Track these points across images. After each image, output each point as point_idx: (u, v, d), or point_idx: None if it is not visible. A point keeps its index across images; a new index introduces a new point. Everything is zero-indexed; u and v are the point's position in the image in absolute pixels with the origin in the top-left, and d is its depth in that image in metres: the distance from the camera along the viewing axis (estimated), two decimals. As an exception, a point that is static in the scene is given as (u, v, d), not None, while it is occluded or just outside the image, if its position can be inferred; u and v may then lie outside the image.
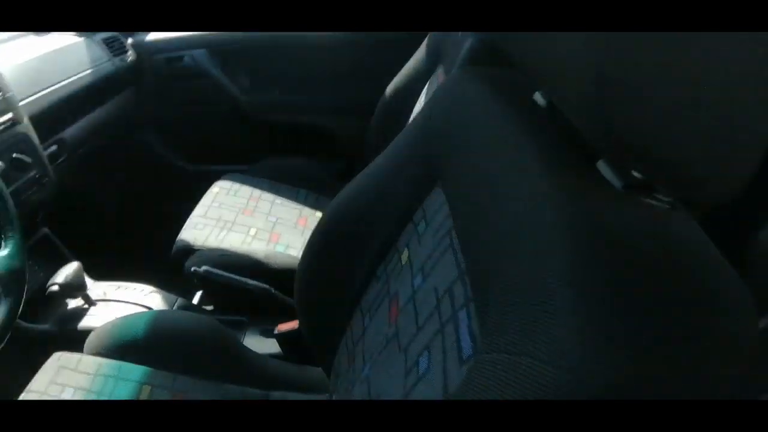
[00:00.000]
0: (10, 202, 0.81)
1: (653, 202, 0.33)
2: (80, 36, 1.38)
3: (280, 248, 1.13)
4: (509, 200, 0.42)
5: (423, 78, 1.21)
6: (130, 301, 1.04)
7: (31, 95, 1.15)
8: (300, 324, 0.82)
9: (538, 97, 0.50)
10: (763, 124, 0.27)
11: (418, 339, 0.48)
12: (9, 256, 0.77)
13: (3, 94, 1.03)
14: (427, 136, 0.63)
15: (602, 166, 0.37)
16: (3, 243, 0.79)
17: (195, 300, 1.13)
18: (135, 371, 0.82)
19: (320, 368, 0.82)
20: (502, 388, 0.30)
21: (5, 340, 0.74)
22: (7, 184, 0.97)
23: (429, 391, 0.42)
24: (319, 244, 0.76)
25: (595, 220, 0.31)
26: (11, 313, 0.75)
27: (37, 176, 1.07)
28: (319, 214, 1.30)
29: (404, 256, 0.61)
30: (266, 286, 0.96)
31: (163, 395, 0.80)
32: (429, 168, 0.60)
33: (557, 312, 0.30)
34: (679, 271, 0.30)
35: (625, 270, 0.29)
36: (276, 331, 0.90)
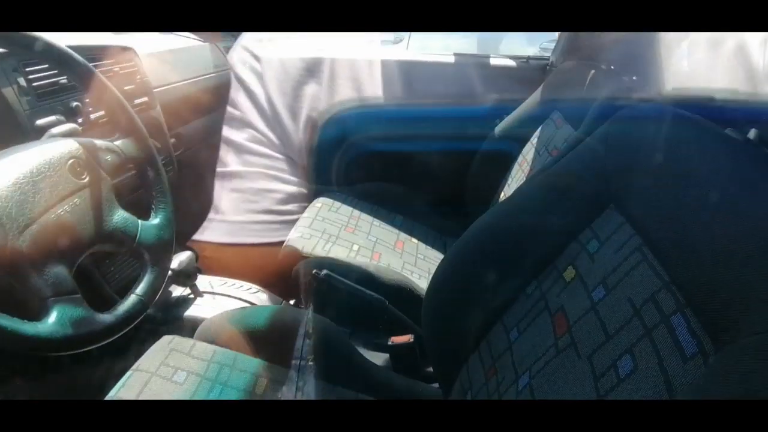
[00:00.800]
0: (164, 174, 0.84)
1: None
2: (205, 41, 1.48)
3: (383, 264, 1.14)
4: (713, 227, 0.45)
5: (535, 122, 1.24)
6: (237, 296, 1.07)
7: (164, 85, 1.21)
8: (424, 336, 0.83)
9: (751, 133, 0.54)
10: None
11: (611, 346, 0.50)
12: (159, 226, 0.79)
13: (141, 78, 1.08)
14: (600, 164, 0.66)
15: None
16: (153, 213, 0.81)
17: (292, 302, 1.14)
18: (251, 363, 0.83)
19: (435, 385, 0.82)
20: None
21: (149, 307, 0.76)
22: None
23: (641, 389, 0.44)
24: (459, 259, 0.78)
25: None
26: (158, 282, 0.77)
27: (164, 161, 1.12)
28: (414, 241, 1.32)
29: (568, 274, 0.63)
30: (381, 297, 0.97)
31: (276, 390, 0.81)
32: (600, 193, 0.64)
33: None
34: None
35: None
36: (390, 343, 0.91)
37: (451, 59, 1.50)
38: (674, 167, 0.56)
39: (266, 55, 1.59)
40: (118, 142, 0.73)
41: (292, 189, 1.62)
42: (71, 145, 0.63)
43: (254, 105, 1.59)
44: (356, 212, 1.35)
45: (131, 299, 0.72)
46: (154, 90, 1.13)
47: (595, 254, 0.60)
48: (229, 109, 1.61)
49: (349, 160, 1.55)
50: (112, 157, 0.70)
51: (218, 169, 1.58)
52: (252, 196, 1.57)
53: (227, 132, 1.60)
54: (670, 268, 0.49)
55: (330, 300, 1.03)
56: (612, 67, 1.13)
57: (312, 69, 1.59)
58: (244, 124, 1.60)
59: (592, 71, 1.10)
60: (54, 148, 0.61)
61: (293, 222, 1.32)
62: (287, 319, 0.87)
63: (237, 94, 1.59)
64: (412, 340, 0.90)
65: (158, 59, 1.20)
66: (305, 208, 1.39)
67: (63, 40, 0.73)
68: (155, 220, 0.80)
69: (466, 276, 0.76)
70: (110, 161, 0.69)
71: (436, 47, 2.66)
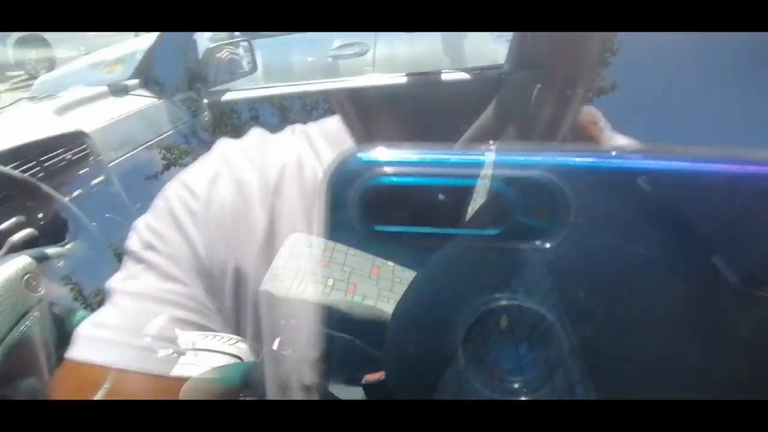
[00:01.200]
0: None
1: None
2: (159, 98, 1.50)
3: (357, 299, 1.18)
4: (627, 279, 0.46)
5: (491, 138, 1.26)
6: (218, 350, 1.11)
7: (118, 158, 1.24)
8: (387, 375, 0.86)
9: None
10: None
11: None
12: None
13: (94, 158, 1.11)
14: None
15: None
16: None
17: (275, 346, 1.18)
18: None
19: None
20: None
21: None
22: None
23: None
24: (412, 303, 0.81)
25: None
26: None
27: (127, 236, 1.15)
28: (390, 264, 1.35)
29: (503, 322, 0.65)
30: (351, 337, 1.01)
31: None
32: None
33: None
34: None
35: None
36: (363, 381, 0.95)
37: (404, 80, 1.52)
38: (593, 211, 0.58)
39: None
40: (69, 245, 0.77)
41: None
42: (24, 261, 0.67)
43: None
44: (330, 243, 1.37)
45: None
46: (112, 164, 1.16)
47: (524, 304, 0.63)
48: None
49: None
50: (65, 262, 0.74)
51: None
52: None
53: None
54: (580, 331, 0.51)
55: (304, 344, 1.07)
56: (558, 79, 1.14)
57: None
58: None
59: (538, 86, 1.11)
60: (7, 270, 0.65)
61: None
62: (257, 376, 0.91)
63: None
64: (383, 377, 0.94)
65: (111, 132, 1.23)
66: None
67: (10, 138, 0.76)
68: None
69: (418, 320, 0.79)
70: (63, 266, 0.73)
71: (402, 53, 2.65)
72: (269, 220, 1.19)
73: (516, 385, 0.56)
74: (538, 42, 1.16)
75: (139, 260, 0.95)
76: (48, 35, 6.70)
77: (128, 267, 0.95)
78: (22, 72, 6.56)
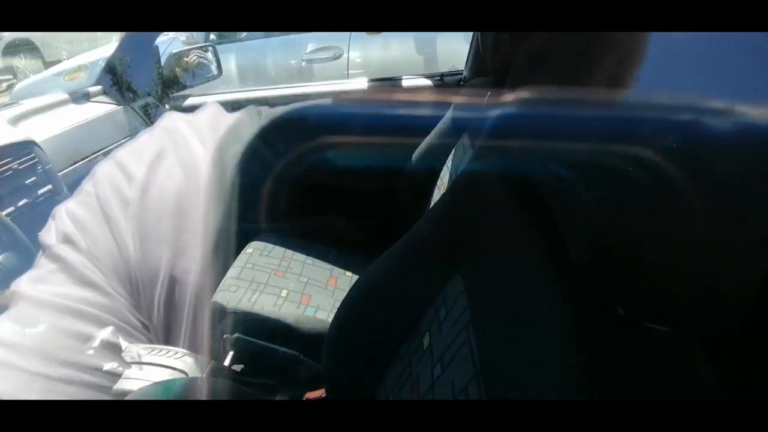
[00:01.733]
0: None
1: (655, 327, 0.35)
2: (118, 105, 1.47)
3: (310, 311, 1.16)
4: (521, 310, 0.44)
5: (449, 143, 1.25)
6: (164, 364, 1.08)
7: (70, 166, 1.21)
8: (326, 393, 0.84)
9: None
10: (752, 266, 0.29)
11: (437, 434, 0.50)
12: None
13: (42, 167, 1.08)
14: (448, 224, 0.66)
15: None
16: None
17: (227, 361, 1.16)
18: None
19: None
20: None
21: None
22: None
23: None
24: (344, 320, 0.79)
25: (595, 351, 0.33)
26: None
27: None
28: (348, 274, 1.33)
29: (425, 341, 0.63)
30: (295, 353, 0.99)
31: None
32: (450, 254, 0.63)
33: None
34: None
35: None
36: (304, 399, 0.93)
37: (364, 85, 1.51)
38: (507, 236, 0.56)
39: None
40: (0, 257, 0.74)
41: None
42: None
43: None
44: (289, 253, 1.35)
45: None
46: (65, 171, 1.14)
47: (443, 323, 0.60)
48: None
49: (280, 195, 1.55)
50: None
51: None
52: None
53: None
54: (484, 355, 0.49)
55: (249, 358, 1.05)
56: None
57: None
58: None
59: (489, 92, 1.09)
60: None
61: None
62: (195, 391, 0.89)
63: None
64: (324, 395, 0.91)
65: (63, 140, 1.21)
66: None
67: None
68: None
69: (350, 337, 0.77)
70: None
71: (376, 56, 2.68)
72: (223, 214, 1.09)
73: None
74: (491, 53, 1.13)
75: (54, 258, 0.80)
76: (37, 40, 6.70)
77: (40, 266, 0.82)
78: (10, 77, 6.58)
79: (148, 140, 1.04)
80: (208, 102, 1.54)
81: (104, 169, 0.93)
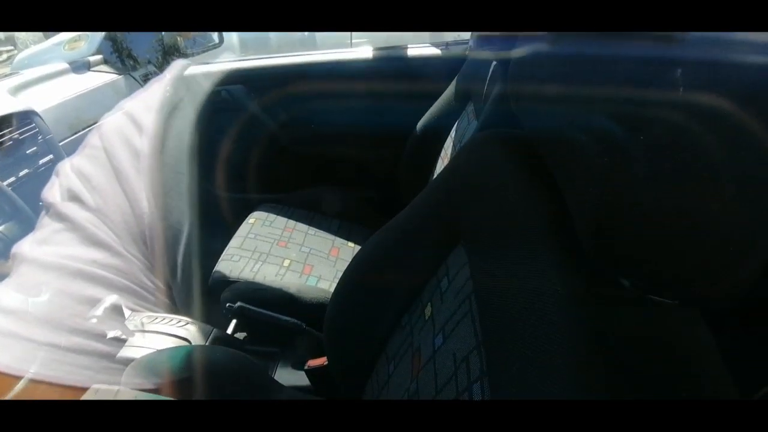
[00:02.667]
0: None
1: (658, 299, 0.34)
2: (120, 74, 1.46)
3: (312, 281, 1.16)
4: (522, 281, 0.43)
5: (454, 115, 1.23)
6: (167, 332, 1.09)
7: (71, 135, 1.20)
8: (328, 362, 0.85)
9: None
10: (759, 240, 0.29)
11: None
12: None
13: (43, 137, 1.08)
14: (451, 195, 0.65)
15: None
16: None
17: (229, 330, 1.17)
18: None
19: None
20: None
21: None
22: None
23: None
24: (347, 289, 0.79)
25: (597, 324, 0.33)
26: None
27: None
28: (350, 245, 1.33)
29: (427, 311, 0.63)
30: (298, 321, 0.99)
31: (198, 429, 0.84)
32: (452, 226, 0.63)
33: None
34: (672, 381, 0.31)
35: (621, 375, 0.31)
36: (306, 367, 0.93)
37: (369, 54, 1.48)
38: (500, 203, 0.55)
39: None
40: (1, 227, 0.74)
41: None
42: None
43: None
44: (291, 223, 1.35)
45: None
46: (65, 141, 1.13)
47: (444, 294, 0.60)
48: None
49: (283, 165, 1.55)
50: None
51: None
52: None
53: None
54: (485, 325, 0.49)
55: (252, 327, 1.06)
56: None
57: None
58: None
59: (494, 63, 1.07)
60: None
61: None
62: (199, 359, 0.90)
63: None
64: (327, 362, 0.92)
65: (64, 109, 1.19)
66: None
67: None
68: None
69: (353, 306, 0.77)
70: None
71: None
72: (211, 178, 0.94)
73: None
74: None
75: (59, 216, 0.72)
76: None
77: (43, 226, 0.73)
78: (11, 47, 6.49)
79: (158, 89, 0.98)
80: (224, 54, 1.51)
81: (112, 121, 0.86)
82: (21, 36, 6.62)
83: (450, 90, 1.28)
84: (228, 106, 1.56)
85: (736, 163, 0.24)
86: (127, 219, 0.81)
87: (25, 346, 0.68)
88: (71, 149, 1.16)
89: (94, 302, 0.81)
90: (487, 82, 1.05)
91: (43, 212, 0.77)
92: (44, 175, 1.13)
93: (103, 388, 0.89)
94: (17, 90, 1.26)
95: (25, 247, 0.73)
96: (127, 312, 1.13)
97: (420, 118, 1.37)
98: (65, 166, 0.82)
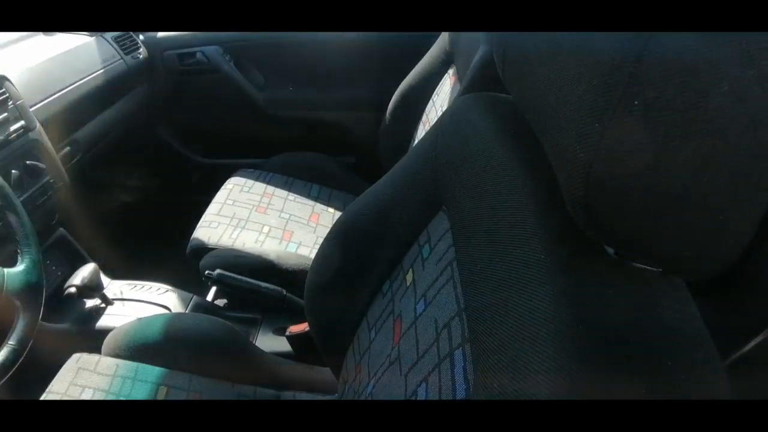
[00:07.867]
0: (26, 217, 0.83)
1: (645, 266, 0.34)
2: (91, 35, 1.39)
3: (292, 247, 1.15)
4: (507, 247, 0.43)
5: (435, 78, 1.21)
6: (146, 300, 1.08)
7: (43, 100, 1.14)
8: (309, 328, 0.85)
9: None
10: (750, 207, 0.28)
11: (418, 368, 0.51)
12: (25, 271, 0.79)
13: (14, 102, 1.03)
14: (433, 160, 0.64)
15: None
16: (19, 259, 0.81)
17: (209, 297, 1.16)
18: (152, 372, 0.85)
19: (329, 369, 0.85)
20: None
21: (25, 353, 0.77)
22: (21, 191, 0.99)
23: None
24: (327, 255, 0.78)
25: (583, 291, 0.33)
26: (31, 327, 0.78)
27: (51, 180, 1.09)
28: (330, 210, 1.32)
29: (409, 277, 0.63)
30: (279, 288, 0.99)
31: (180, 396, 0.83)
32: (434, 191, 0.62)
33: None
34: (655, 352, 0.31)
35: (611, 348, 0.31)
36: (287, 333, 0.94)
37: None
38: (484, 168, 0.54)
39: None
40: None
41: None
42: None
43: None
44: (270, 188, 1.33)
45: (4, 350, 0.73)
46: (36, 106, 1.08)
47: (426, 261, 0.60)
48: None
49: (261, 129, 1.51)
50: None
51: None
52: None
53: None
54: (467, 292, 0.48)
55: (231, 294, 1.05)
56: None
57: None
58: None
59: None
60: None
61: None
62: (180, 327, 0.89)
63: None
64: (308, 328, 0.92)
65: (33, 73, 1.14)
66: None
67: None
68: (21, 266, 0.80)
69: (334, 272, 0.77)
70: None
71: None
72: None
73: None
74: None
75: None
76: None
77: None
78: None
79: None
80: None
81: None
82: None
83: (432, 52, 1.26)
84: (204, 67, 1.52)
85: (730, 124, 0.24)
86: None
87: None
88: (42, 116, 1.12)
89: None
90: (470, 43, 1.03)
91: None
92: (16, 142, 1.10)
93: (85, 356, 0.88)
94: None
95: None
96: (106, 280, 1.12)
97: (401, 81, 1.35)
98: None
